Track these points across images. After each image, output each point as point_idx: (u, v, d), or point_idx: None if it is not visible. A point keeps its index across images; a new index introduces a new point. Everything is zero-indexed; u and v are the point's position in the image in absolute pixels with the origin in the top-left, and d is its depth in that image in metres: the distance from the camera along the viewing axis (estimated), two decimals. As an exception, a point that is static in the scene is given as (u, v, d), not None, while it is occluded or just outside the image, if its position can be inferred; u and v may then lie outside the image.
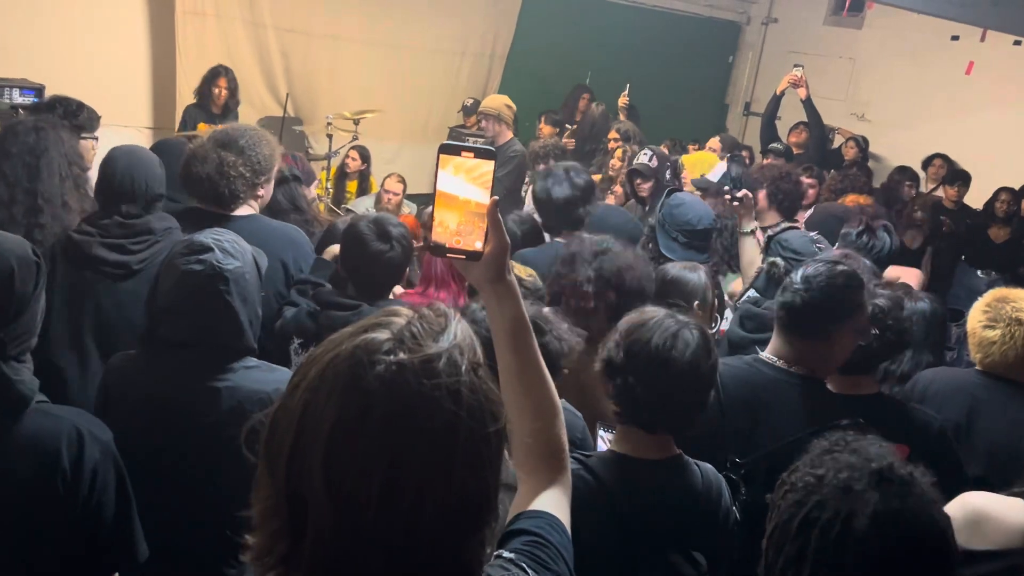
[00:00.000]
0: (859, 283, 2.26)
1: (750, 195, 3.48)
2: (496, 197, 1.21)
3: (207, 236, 1.99)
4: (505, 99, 5.78)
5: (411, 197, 6.36)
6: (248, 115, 6.56)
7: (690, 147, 7.19)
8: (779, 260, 3.16)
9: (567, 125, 7.56)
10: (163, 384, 1.96)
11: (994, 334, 2.64)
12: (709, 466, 1.97)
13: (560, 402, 1.33)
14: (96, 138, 3.61)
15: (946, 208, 6.90)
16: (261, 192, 2.89)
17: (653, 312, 1.95)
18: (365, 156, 6.63)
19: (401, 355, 0.90)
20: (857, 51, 9.33)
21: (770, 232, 3.64)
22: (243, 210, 2.84)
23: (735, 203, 3.39)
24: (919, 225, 6.08)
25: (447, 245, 1.21)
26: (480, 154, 1.20)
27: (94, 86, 6.09)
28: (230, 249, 1.98)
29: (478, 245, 1.21)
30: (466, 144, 1.20)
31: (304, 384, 0.93)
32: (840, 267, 2.27)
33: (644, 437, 1.89)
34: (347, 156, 6.60)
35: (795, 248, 3.38)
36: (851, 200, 4.73)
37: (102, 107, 3.98)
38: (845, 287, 2.23)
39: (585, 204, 3.51)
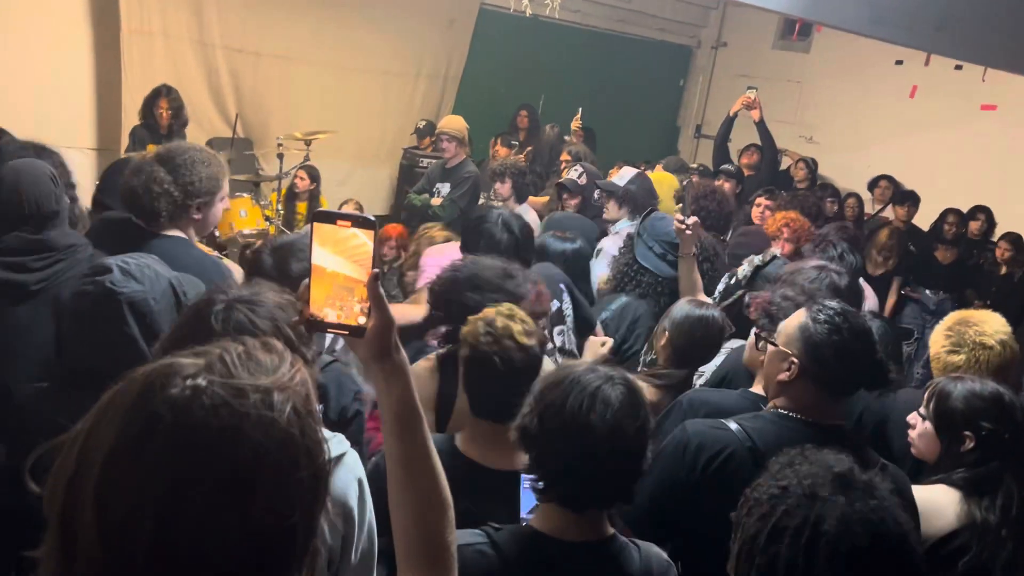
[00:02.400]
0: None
1: (698, 221, 3.55)
2: (376, 270, 1.13)
3: (117, 257, 1.87)
4: (463, 121, 5.78)
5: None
6: (196, 135, 6.43)
7: (640, 167, 7.23)
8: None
9: (513, 142, 7.56)
10: (67, 422, 1.81)
11: (959, 359, 2.66)
12: (653, 548, 1.70)
13: (450, 499, 1.20)
14: None
15: (897, 228, 7.02)
16: (196, 216, 2.74)
17: (572, 367, 1.67)
18: (314, 176, 6.54)
19: (202, 379, 0.81)
20: (805, 75, 9.51)
21: (757, 262, 3.70)
22: (170, 231, 2.70)
23: (684, 228, 3.41)
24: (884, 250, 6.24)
25: (326, 320, 1.14)
26: (358, 223, 1.12)
27: (37, 106, 5.94)
28: (135, 272, 1.84)
29: (361, 320, 1.13)
30: (342, 213, 1.13)
31: (95, 408, 0.84)
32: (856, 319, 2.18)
33: (568, 515, 1.60)
34: (295, 176, 6.50)
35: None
36: (780, 216, 4.75)
37: (45, 127, 3.86)
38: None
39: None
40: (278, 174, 6.40)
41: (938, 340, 2.75)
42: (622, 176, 4.62)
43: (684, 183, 5.84)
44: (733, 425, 2.06)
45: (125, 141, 6.10)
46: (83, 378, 1.80)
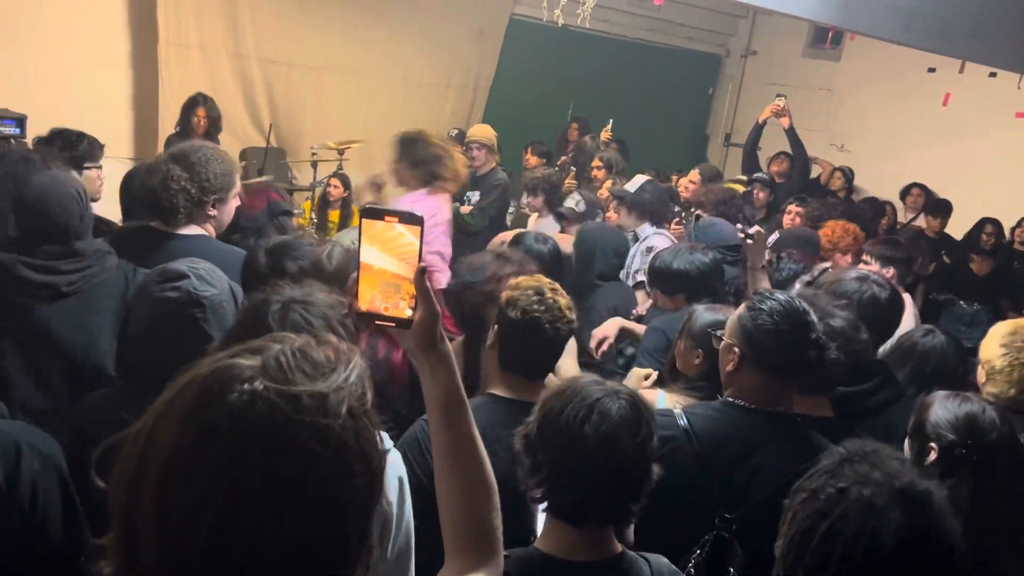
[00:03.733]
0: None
1: (762, 231, 3.44)
2: (423, 264, 1.17)
3: (181, 264, 1.93)
4: (492, 129, 5.83)
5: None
6: (231, 145, 6.53)
7: (672, 176, 7.23)
8: None
9: (552, 154, 7.59)
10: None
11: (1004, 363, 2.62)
12: (663, 561, 1.68)
13: (495, 484, 1.24)
14: (100, 166, 3.58)
15: (928, 238, 6.97)
16: (212, 212, 2.78)
17: (581, 378, 1.70)
18: (347, 184, 6.61)
19: (258, 384, 0.82)
20: (836, 83, 9.46)
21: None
22: (190, 230, 2.75)
23: (747, 240, 3.33)
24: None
25: (374, 312, 1.17)
26: (405, 219, 1.16)
27: (76, 116, 6.03)
28: (206, 276, 1.92)
29: (408, 312, 1.17)
30: (390, 209, 1.17)
31: (154, 409, 0.86)
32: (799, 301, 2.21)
33: (570, 532, 1.58)
34: (328, 184, 6.57)
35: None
36: (830, 226, 4.76)
37: (83, 138, 3.95)
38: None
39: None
40: (312, 183, 6.48)
41: (992, 348, 2.68)
42: (634, 183, 4.67)
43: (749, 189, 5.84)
44: (678, 411, 2.15)
45: (161, 151, 6.20)
46: (151, 378, 1.87)
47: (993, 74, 7.59)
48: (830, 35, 9.25)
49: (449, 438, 1.20)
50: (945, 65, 7.90)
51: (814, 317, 2.15)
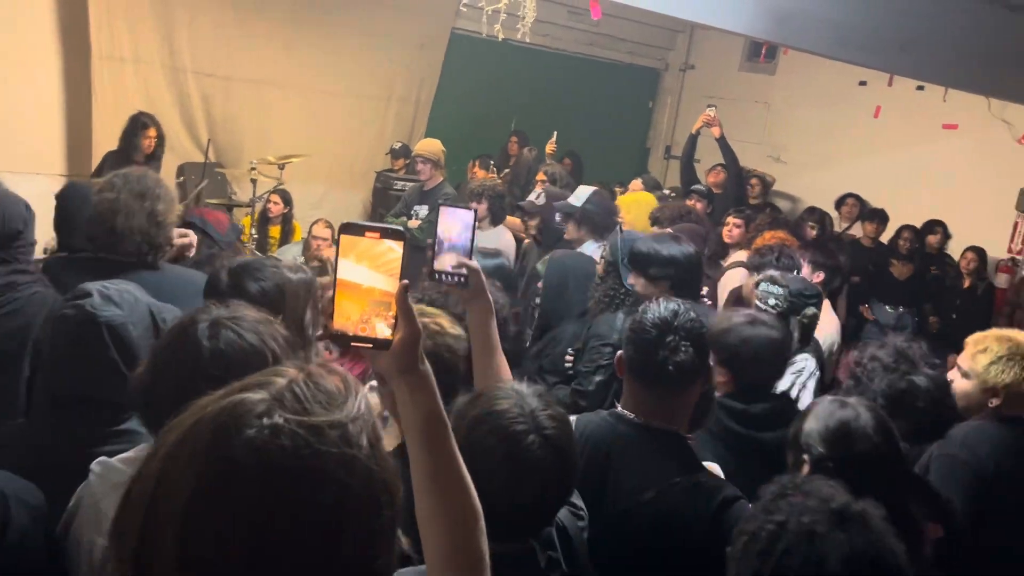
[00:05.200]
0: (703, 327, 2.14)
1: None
2: (406, 282, 1.12)
3: (95, 284, 1.88)
4: (439, 144, 5.83)
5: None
6: (169, 161, 6.41)
7: (616, 189, 7.31)
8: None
9: (494, 167, 7.61)
10: (47, 455, 1.77)
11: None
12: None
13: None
14: None
15: (863, 246, 7.16)
16: (167, 247, 2.76)
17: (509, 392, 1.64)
18: (287, 200, 6.54)
19: (277, 417, 0.79)
20: (771, 96, 9.68)
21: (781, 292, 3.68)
22: (145, 259, 2.68)
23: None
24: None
25: (351, 333, 1.12)
26: (387, 234, 1.11)
27: (6, 132, 5.90)
28: (114, 297, 1.85)
29: (386, 333, 1.12)
30: (370, 224, 1.12)
31: (161, 452, 0.81)
32: (692, 312, 2.13)
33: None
34: (268, 200, 6.49)
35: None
36: (769, 236, 4.85)
37: (15, 154, 3.83)
38: (705, 331, 2.13)
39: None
40: (251, 199, 6.39)
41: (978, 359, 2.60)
42: (579, 195, 4.57)
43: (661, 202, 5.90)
44: (572, 419, 2.09)
45: (95, 167, 6.06)
46: (66, 401, 1.81)
47: (921, 87, 7.85)
48: (763, 50, 9.47)
49: (432, 464, 1.15)
50: (875, 79, 8.17)
51: (684, 322, 2.06)
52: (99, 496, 1.52)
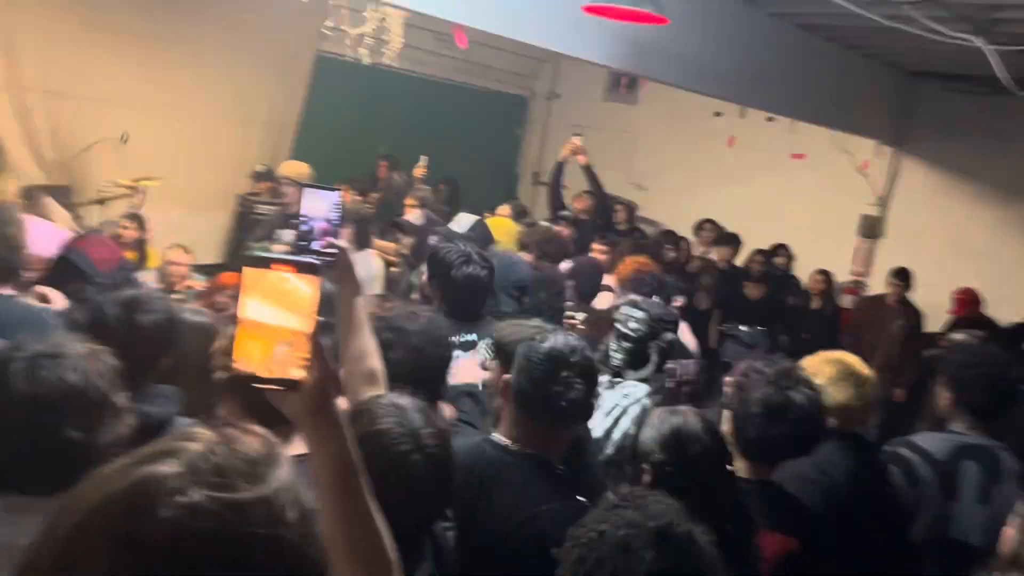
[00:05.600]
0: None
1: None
2: (320, 319, 1.04)
3: None
4: (306, 166, 5.72)
5: (197, 268, 6.02)
6: (10, 183, 6.00)
7: (485, 215, 7.35)
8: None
9: (364, 192, 7.53)
10: None
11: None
12: None
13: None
14: None
15: (720, 268, 7.46)
16: (22, 272, 2.61)
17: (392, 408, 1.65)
18: (141, 224, 6.23)
19: (195, 494, 0.70)
20: (633, 125, 10.01)
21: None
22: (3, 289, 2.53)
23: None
24: (707, 289, 6.61)
25: (256, 374, 1.03)
26: (300, 268, 1.02)
27: None
28: None
29: (295, 373, 1.03)
30: (278, 256, 1.03)
31: (59, 535, 0.71)
32: (575, 341, 2.13)
33: None
34: (120, 226, 6.16)
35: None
36: (630, 262, 4.98)
37: None
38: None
39: None
40: (100, 224, 6.06)
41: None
42: (461, 223, 4.62)
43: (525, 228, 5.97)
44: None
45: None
46: None
47: (771, 119, 8.31)
48: (623, 81, 9.79)
49: (343, 511, 1.07)
50: (730, 111, 8.59)
51: (579, 360, 2.05)
52: None
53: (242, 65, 7.78)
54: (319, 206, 1.72)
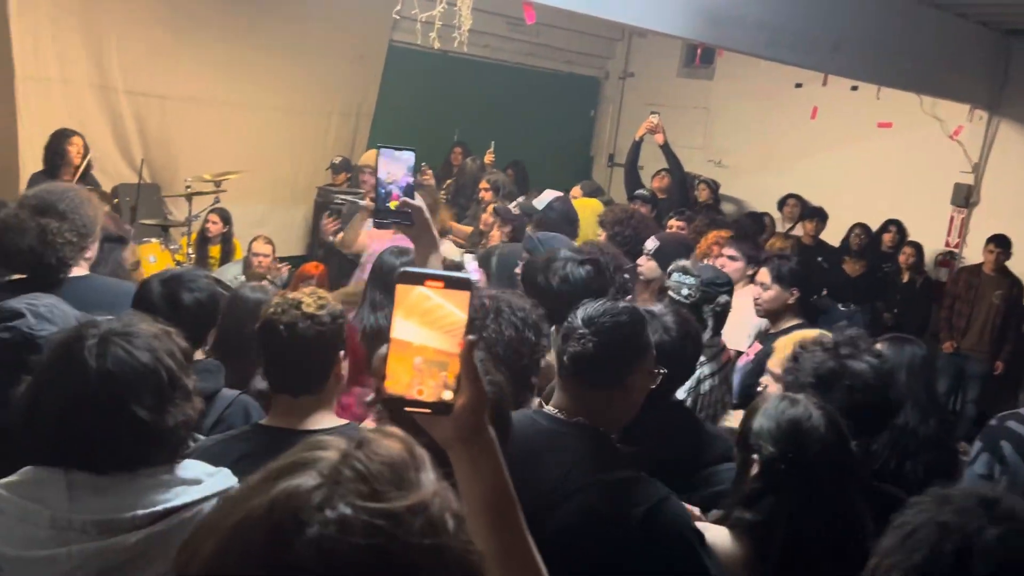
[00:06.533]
0: (643, 320, 2.01)
1: None
2: (472, 338, 0.98)
3: (20, 301, 1.79)
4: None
5: (280, 259, 6.15)
6: (101, 182, 6.22)
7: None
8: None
9: (438, 179, 7.56)
10: None
11: None
12: None
13: None
14: None
15: (805, 244, 7.24)
16: (89, 254, 2.71)
17: None
18: (226, 219, 6.38)
19: (343, 506, 0.63)
20: (710, 101, 9.79)
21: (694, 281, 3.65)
22: (72, 272, 2.63)
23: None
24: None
25: (405, 397, 0.97)
26: (451, 283, 0.97)
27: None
28: (45, 314, 1.78)
29: (447, 396, 0.98)
30: (431, 272, 0.98)
31: (199, 563, 0.65)
32: (620, 305, 2.01)
33: None
34: (207, 220, 6.34)
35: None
36: (713, 236, 4.89)
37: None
38: (632, 326, 1.97)
39: None
40: (188, 218, 6.23)
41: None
42: (542, 199, 4.57)
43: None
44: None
45: (23, 190, 5.85)
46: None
47: (855, 87, 8.00)
48: (698, 53, 9.57)
49: (499, 545, 0.99)
50: (811, 80, 8.31)
51: (604, 320, 1.92)
52: None
53: (319, 58, 7.91)
54: (395, 167, 1.75)
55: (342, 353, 2.06)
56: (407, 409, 0.98)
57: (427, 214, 1.79)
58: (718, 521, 1.95)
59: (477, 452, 1.00)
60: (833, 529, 1.84)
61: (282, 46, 7.63)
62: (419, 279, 0.97)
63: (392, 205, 1.74)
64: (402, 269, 0.98)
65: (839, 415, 1.97)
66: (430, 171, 6.88)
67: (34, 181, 5.64)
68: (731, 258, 4.47)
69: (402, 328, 0.96)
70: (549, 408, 1.98)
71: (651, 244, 4.12)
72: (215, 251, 6.38)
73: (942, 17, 6.67)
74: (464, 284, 0.97)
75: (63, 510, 1.35)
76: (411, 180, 1.75)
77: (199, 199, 6.38)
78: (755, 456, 1.90)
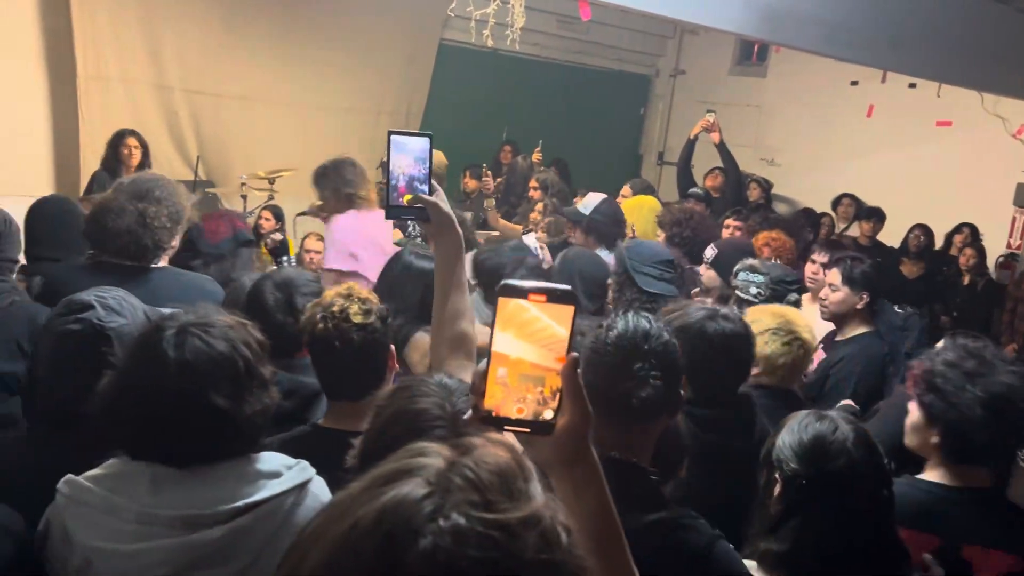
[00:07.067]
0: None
1: None
2: (576, 355, 0.93)
3: (89, 294, 1.82)
4: (442, 156, 5.76)
5: (332, 256, 6.21)
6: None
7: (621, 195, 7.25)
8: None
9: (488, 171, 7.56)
10: (46, 470, 1.66)
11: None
12: None
13: None
14: None
15: (861, 245, 7.10)
16: (174, 243, 2.77)
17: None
18: (279, 215, 6.46)
19: (456, 516, 0.61)
20: (763, 98, 9.65)
21: (762, 280, 3.54)
22: (156, 263, 2.71)
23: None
24: None
25: (505, 415, 0.93)
26: (555, 297, 0.92)
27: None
28: (115, 306, 1.80)
29: (548, 415, 0.93)
30: (534, 285, 0.93)
31: (306, 571, 0.63)
32: (666, 333, 1.79)
33: None
34: (260, 217, 6.42)
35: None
36: (763, 236, 4.80)
37: (2, 176, 3.77)
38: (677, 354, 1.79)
39: None
40: (242, 215, 6.31)
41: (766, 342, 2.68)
42: (587, 203, 4.49)
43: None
44: None
45: (84, 187, 5.99)
46: (61, 418, 1.74)
47: (913, 85, 7.82)
48: (755, 50, 9.45)
49: (602, 572, 0.92)
50: (867, 78, 8.14)
51: (656, 346, 1.72)
52: (66, 516, 1.44)
53: (370, 57, 7.98)
54: (406, 157, 1.58)
55: (392, 348, 2.08)
56: (506, 428, 0.94)
57: (446, 209, 1.62)
58: (744, 555, 1.78)
59: (580, 476, 0.95)
60: (868, 556, 1.69)
61: (334, 46, 7.72)
62: (522, 292, 0.92)
63: (405, 199, 1.57)
64: (504, 282, 0.93)
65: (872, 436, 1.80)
66: (490, 173, 6.85)
67: (96, 179, 5.77)
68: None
69: (502, 342, 0.92)
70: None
71: (709, 252, 3.99)
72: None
73: (1004, 12, 6.48)
74: (568, 298, 0.93)
75: (148, 505, 1.38)
76: (424, 171, 1.57)
77: (252, 196, 6.47)
78: (776, 475, 1.77)
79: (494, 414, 0.93)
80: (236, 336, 1.48)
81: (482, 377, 0.93)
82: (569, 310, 0.93)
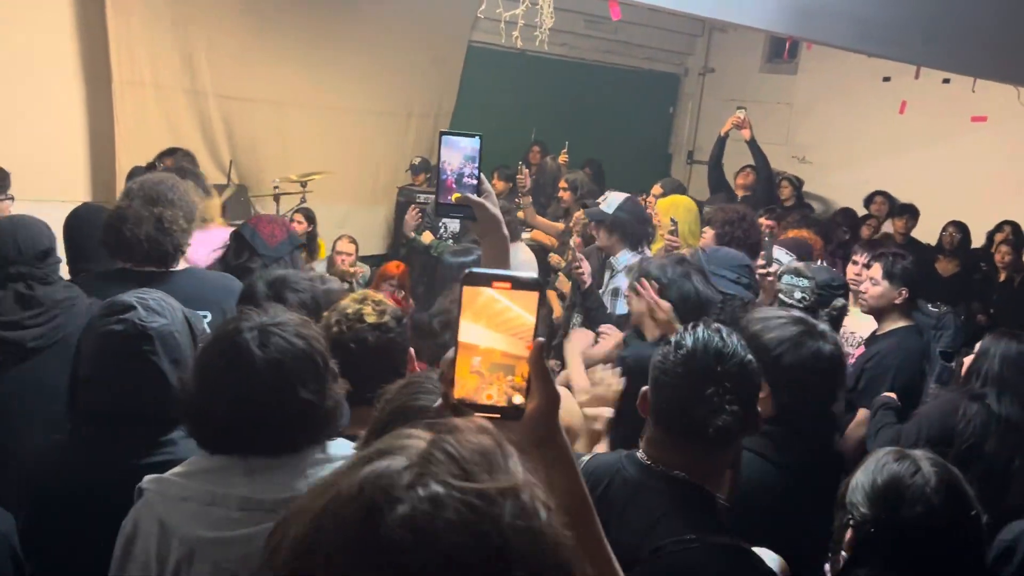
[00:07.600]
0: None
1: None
2: (541, 340, 0.95)
3: (130, 295, 1.86)
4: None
5: (362, 258, 6.26)
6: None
7: (640, 199, 7.22)
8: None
9: (520, 172, 7.57)
10: (91, 470, 1.75)
11: None
12: None
13: None
14: (11, 198, 3.44)
15: (896, 243, 7.02)
16: (191, 243, 2.80)
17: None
18: (311, 218, 6.51)
19: (435, 485, 0.63)
20: (793, 96, 9.58)
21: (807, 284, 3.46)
22: (176, 266, 2.74)
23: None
24: None
25: (475, 401, 0.95)
26: (520, 284, 0.94)
27: (30, 161, 5.93)
28: (155, 307, 1.84)
29: (517, 400, 0.96)
30: (498, 273, 0.94)
31: (289, 545, 0.66)
32: (742, 348, 1.69)
33: None
34: (292, 220, 6.47)
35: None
36: (792, 234, 4.76)
37: (38, 182, 3.84)
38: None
39: None
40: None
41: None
42: (610, 202, 4.40)
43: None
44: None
45: (120, 192, 6.07)
46: (111, 417, 1.78)
47: (947, 80, 7.72)
48: (787, 47, 9.38)
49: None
50: (900, 74, 8.04)
51: (731, 367, 1.62)
52: (162, 512, 1.49)
53: (399, 60, 8.02)
54: (455, 156, 1.58)
55: (412, 350, 2.11)
56: (477, 414, 0.94)
57: (493, 210, 1.60)
58: None
59: (551, 457, 0.98)
60: None
61: (364, 50, 7.77)
62: (486, 280, 0.94)
63: (453, 198, 1.57)
64: (468, 271, 0.94)
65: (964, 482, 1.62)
66: (526, 171, 6.84)
67: (134, 173, 5.82)
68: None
69: (468, 331, 0.94)
70: (642, 453, 1.71)
71: (783, 256, 3.95)
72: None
73: (1042, 5, 6.38)
74: (532, 285, 0.94)
75: (247, 492, 1.45)
76: (473, 170, 1.57)
77: (284, 200, 6.54)
78: (848, 519, 1.60)
79: (463, 402, 0.95)
80: (309, 333, 1.56)
81: (450, 366, 0.94)
82: (534, 296, 0.94)
